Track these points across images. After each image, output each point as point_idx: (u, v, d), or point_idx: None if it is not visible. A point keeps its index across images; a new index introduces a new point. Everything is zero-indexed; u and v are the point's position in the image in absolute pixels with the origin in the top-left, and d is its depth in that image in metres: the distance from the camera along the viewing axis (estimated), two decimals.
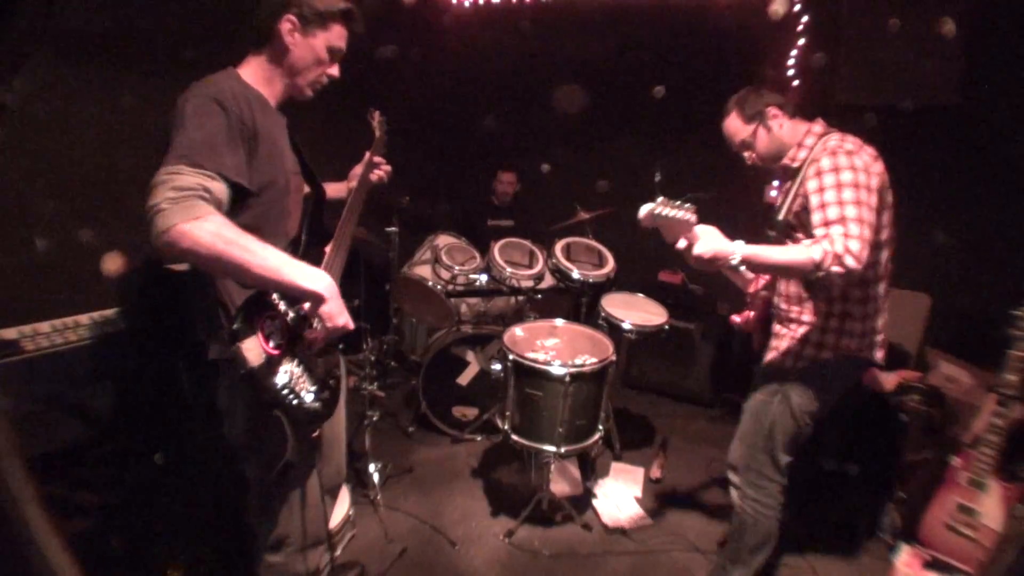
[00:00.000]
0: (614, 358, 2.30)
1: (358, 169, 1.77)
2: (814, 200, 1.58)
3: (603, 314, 2.78)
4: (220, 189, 1.15)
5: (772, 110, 1.80)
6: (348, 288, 1.51)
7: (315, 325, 1.28)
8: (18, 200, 1.86)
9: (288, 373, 1.26)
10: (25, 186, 1.88)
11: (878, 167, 1.63)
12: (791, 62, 3.28)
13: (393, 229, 2.79)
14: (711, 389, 3.64)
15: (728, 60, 3.47)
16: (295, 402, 1.27)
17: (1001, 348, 1.96)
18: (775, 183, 3.47)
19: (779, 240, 1.77)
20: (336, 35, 1.41)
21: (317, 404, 1.32)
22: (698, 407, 3.65)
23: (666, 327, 2.79)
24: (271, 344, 1.24)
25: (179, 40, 2.26)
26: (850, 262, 1.44)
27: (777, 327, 1.89)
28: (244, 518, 1.61)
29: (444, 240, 3.31)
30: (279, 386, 1.24)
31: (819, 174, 1.58)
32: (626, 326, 2.71)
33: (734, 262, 1.51)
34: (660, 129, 3.81)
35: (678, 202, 1.51)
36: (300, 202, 1.47)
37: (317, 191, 1.54)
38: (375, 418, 2.67)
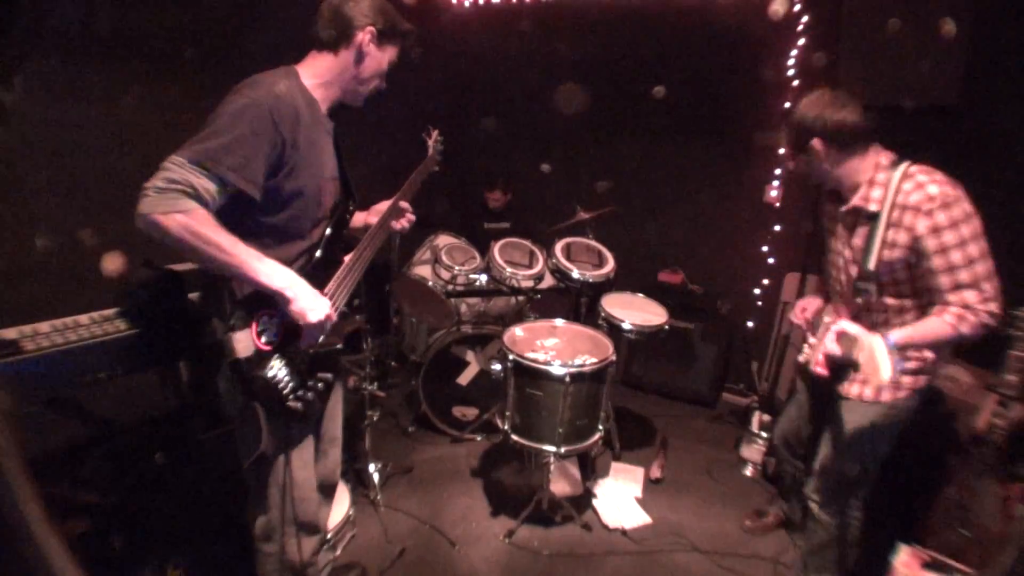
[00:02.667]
0: (614, 358, 2.30)
1: (382, 206, 1.72)
2: (938, 262, 1.51)
3: (603, 314, 2.78)
4: (212, 190, 1.21)
5: (816, 143, 1.62)
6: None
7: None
8: (18, 200, 1.86)
9: (273, 371, 1.31)
10: (25, 186, 1.88)
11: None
12: (791, 62, 3.27)
13: None
14: (711, 389, 3.64)
15: (728, 60, 3.47)
16: (274, 400, 1.31)
17: (1001, 348, 1.96)
18: (775, 183, 3.48)
19: (872, 291, 1.66)
20: (396, 52, 1.53)
21: (298, 404, 1.35)
22: (698, 407, 3.65)
23: (666, 327, 2.79)
24: (263, 340, 1.29)
25: (179, 40, 2.26)
26: (992, 322, 1.49)
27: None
28: (244, 517, 1.62)
29: (444, 240, 3.31)
30: (261, 382, 1.29)
31: (936, 231, 1.50)
32: (626, 326, 2.71)
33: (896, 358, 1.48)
34: (660, 129, 3.81)
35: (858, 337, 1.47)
36: (330, 209, 1.51)
37: (348, 200, 1.58)
38: (375, 418, 2.67)
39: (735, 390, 3.81)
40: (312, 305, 1.30)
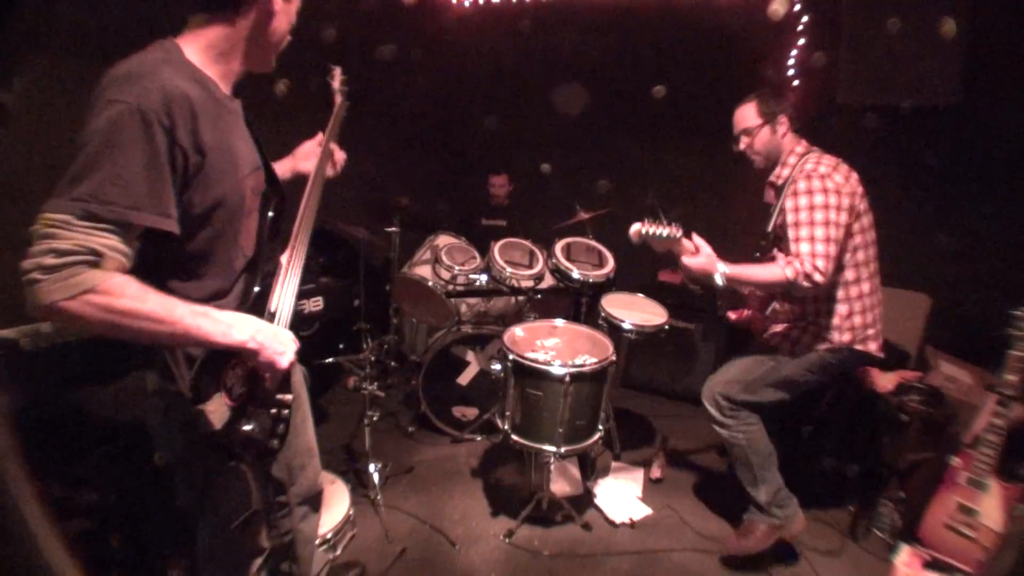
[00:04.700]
0: (614, 358, 2.30)
1: (306, 145, 1.54)
2: (790, 218, 1.87)
3: (603, 314, 2.78)
4: (116, 244, 0.94)
5: (783, 118, 2.04)
6: (348, 288, 1.48)
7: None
8: (18, 200, 1.86)
9: (250, 422, 1.14)
10: (25, 186, 1.88)
11: (851, 183, 1.89)
12: (791, 62, 3.28)
13: (393, 229, 2.79)
14: None
15: (728, 60, 3.47)
16: (258, 451, 1.17)
17: (1001, 348, 1.96)
18: None
19: (768, 248, 2.07)
20: None
21: (275, 442, 1.21)
22: (698, 407, 3.63)
23: (666, 327, 2.78)
24: (233, 396, 1.11)
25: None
26: (817, 278, 1.78)
27: (771, 319, 2.18)
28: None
29: (444, 240, 3.31)
30: (243, 439, 1.12)
31: (795, 195, 1.87)
32: (626, 326, 2.71)
33: (718, 280, 1.85)
34: (660, 129, 3.82)
35: (664, 221, 1.79)
36: (256, 208, 1.24)
37: (276, 190, 1.29)
38: (375, 418, 2.67)
39: None
40: (281, 347, 1.11)
